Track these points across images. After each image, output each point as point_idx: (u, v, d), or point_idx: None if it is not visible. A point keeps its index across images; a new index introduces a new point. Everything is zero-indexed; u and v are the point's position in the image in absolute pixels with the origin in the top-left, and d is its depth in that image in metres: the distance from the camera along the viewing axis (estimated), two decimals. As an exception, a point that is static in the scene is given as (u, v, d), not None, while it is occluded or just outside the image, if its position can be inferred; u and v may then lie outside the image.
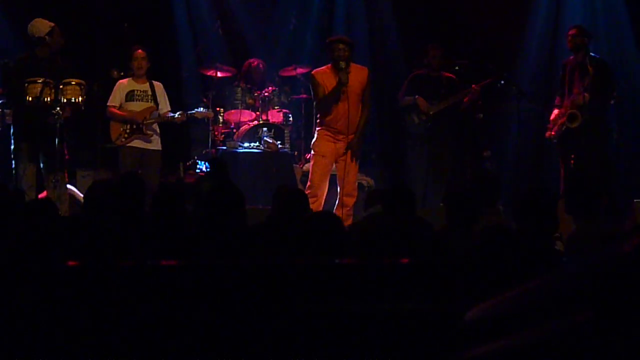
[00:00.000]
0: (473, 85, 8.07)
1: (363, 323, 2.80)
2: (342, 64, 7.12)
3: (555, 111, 7.82)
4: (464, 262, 3.42)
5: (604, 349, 1.65)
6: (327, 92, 7.18)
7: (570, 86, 7.76)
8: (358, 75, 7.24)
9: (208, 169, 8.57)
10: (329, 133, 7.28)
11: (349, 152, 7.24)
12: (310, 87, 7.45)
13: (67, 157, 7.18)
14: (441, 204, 7.97)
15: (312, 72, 7.41)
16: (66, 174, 7.22)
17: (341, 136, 7.23)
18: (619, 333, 1.65)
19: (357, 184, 7.51)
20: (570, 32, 7.80)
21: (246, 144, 8.80)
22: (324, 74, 7.25)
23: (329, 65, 7.26)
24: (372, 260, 3.57)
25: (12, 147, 7.11)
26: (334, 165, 7.37)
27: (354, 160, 7.27)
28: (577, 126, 7.57)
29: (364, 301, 2.96)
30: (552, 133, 7.80)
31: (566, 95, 7.77)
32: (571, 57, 7.83)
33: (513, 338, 1.82)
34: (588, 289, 1.71)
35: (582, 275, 1.77)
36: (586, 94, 7.52)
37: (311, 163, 7.44)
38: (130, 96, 7.71)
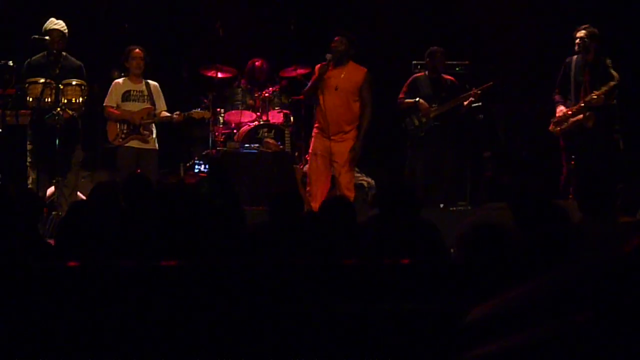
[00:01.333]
0: (474, 89, 8.03)
1: (363, 323, 2.80)
2: (328, 57, 7.07)
3: (562, 107, 7.60)
4: (464, 262, 3.41)
5: (604, 349, 1.65)
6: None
7: (578, 85, 7.63)
8: (352, 75, 7.16)
9: (208, 170, 8.57)
10: (319, 131, 7.25)
11: (339, 152, 7.18)
12: None
13: (82, 157, 7.29)
14: (441, 205, 8.03)
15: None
16: (77, 176, 7.32)
17: (329, 134, 7.16)
18: (619, 333, 1.65)
19: (351, 184, 7.44)
20: (585, 33, 7.53)
21: (246, 145, 8.79)
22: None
23: None
24: (372, 260, 3.57)
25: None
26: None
27: (347, 161, 7.21)
28: (591, 126, 7.48)
29: (364, 301, 2.96)
30: (558, 129, 7.62)
31: (572, 93, 7.61)
32: (574, 57, 7.64)
33: (513, 338, 1.82)
34: (588, 289, 1.71)
35: (582, 275, 1.77)
36: (602, 95, 7.42)
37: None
38: (126, 96, 7.61)
